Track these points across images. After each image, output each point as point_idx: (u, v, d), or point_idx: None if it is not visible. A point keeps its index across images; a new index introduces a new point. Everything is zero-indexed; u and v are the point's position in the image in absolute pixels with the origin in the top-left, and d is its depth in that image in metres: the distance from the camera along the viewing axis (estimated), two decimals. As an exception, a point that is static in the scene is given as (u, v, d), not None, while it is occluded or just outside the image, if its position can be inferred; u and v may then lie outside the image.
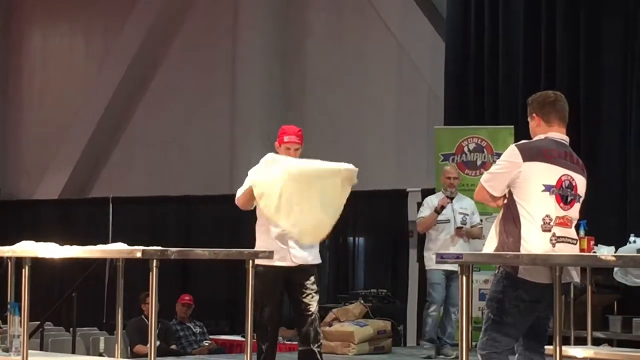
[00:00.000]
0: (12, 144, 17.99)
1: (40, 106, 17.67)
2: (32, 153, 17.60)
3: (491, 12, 12.21)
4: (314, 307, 7.11)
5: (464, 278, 4.91)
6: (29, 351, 5.88)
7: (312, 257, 7.18)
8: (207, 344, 11.80)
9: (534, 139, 5.30)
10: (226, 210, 13.99)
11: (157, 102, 16.31)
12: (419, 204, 12.21)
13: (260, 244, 7.09)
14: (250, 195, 6.91)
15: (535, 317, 5.20)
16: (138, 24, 16.32)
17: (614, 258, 4.72)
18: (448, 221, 9.77)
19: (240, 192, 7.02)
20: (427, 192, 12.30)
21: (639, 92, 11.16)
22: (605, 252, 8.49)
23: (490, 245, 5.23)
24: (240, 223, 12.72)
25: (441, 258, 5.08)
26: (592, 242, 8.82)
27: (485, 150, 11.14)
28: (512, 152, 5.20)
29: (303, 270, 7.14)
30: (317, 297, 7.16)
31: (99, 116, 16.67)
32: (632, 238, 9.28)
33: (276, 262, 6.86)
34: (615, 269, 9.09)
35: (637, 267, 8.42)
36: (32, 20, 17.95)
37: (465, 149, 11.26)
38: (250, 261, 5.95)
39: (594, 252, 8.60)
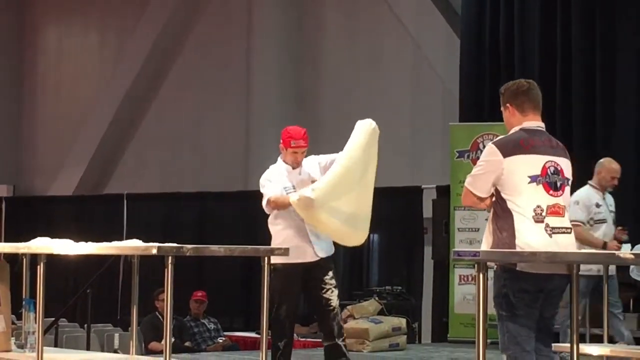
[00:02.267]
0: (27, 141, 18.02)
1: (55, 103, 17.69)
2: (47, 150, 17.63)
3: (506, 8, 12.16)
4: (334, 301, 7.11)
5: (481, 275, 4.89)
6: (44, 347, 5.87)
7: (330, 248, 7.19)
8: (221, 341, 11.78)
9: (509, 132, 5.27)
10: (241, 207, 14.01)
11: (171, 99, 16.32)
12: (434, 201, 12.20)
13: (279, 241, 7.06)
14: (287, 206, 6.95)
15: (539, 308, 5.14)
16: (152, 21, 16.33)
17: (632, 256, 4.70)
18: (605, 221, 8.68)
19: (273, 198, 7.01)
20: (442, 189, 12.27)
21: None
22: (623, 250, 8.44)
23: (485, 244, 5.20)
24: (255, 219, 12.69)
25: (458, 255, 5.03)
26: (609, 240, 8.76)
27: (500, 147, 11.08)
28: (490, 151, 5.17)
29: (321, 265, 7.13)
30: (336, 291, 7.15)
31: (113, 113, 16.69)
32: (649, 235, 9.22)
33: (294, 259, 6.84)
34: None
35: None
36: (47, 19, 17.97)
37: (481, 146, 11.20)
38: (266, 258, 5.92)
39: (611, 250, 8.55)
